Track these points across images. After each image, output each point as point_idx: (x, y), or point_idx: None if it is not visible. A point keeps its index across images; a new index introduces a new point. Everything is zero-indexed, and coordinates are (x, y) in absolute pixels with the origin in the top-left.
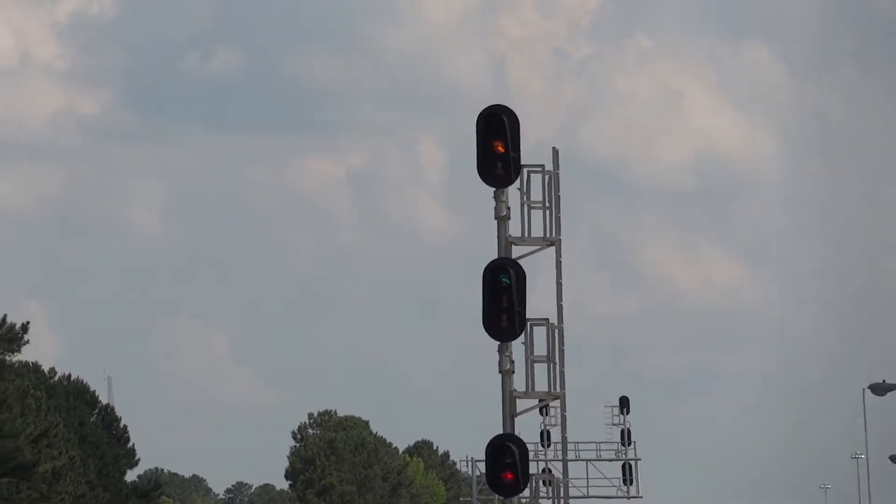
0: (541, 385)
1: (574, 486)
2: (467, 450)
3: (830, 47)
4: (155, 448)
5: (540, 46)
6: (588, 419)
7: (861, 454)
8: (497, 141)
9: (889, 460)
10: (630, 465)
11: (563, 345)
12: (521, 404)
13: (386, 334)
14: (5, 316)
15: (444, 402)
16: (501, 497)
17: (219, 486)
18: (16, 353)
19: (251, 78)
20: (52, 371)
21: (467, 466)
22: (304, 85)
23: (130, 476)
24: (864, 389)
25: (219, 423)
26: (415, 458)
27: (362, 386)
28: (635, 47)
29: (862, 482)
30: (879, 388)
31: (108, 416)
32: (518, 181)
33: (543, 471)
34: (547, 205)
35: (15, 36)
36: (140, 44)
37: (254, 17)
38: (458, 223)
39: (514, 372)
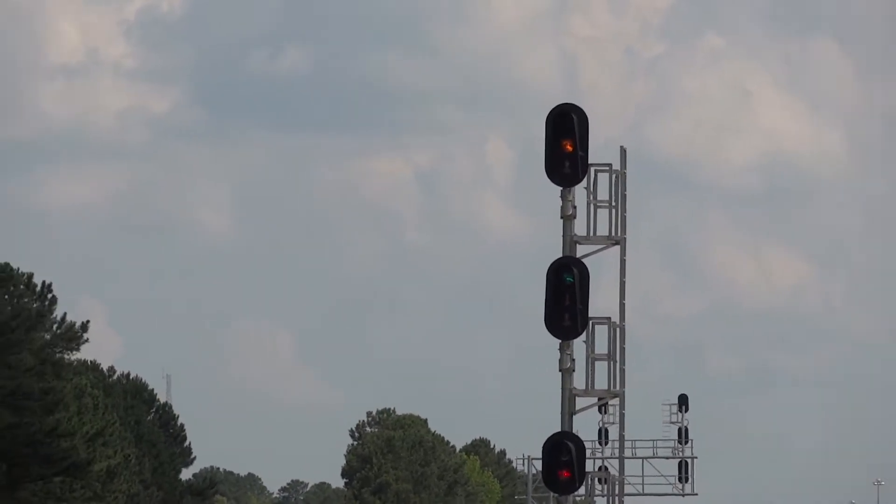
0: (600, 383)
1: (630, 484)
2: (525, 448)
3: None
4: (212, 447)
5: (611, 46)
6: (647, 418)
7: None
8: (566, 140)
9: None
10: (686, 463)
11: (625, 343)
12: (580, 402)
13: (448, 333)
14: (65, 314)
15: (503, 400)
16: (556, 495)
17: (274, 484)
18: (75, 352)
19: (319, 77)
20: (111, 370)
21: (524, 464)
22: (372, 84)
23: (186, 474)
24: None
25: (277, 422)
26: (471, 457)
27: (422, 384)
28: (705, 46)
29: None
30: None
31: (166, 415)
32: (585, 180)
33: (600, 468)
34: (613, 204)
35: (82, 33)
36: (208, 42)
37: (324, 16)
38: (525, 223)
39: (574, 370)
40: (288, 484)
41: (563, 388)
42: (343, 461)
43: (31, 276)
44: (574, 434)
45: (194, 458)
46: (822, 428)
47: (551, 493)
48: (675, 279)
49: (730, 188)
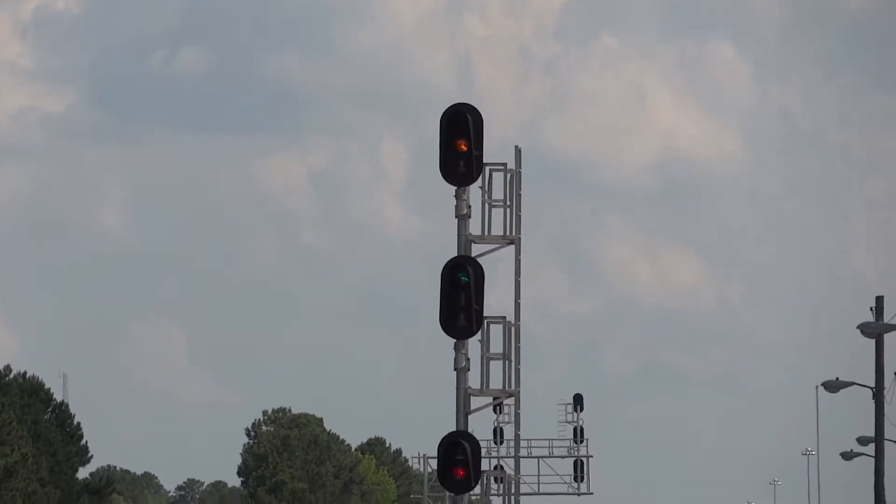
0: (496, 383)
1: (525, 483)
2: (421, 447)
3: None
4: (108, 446)
5: (506, 46)
6: (542, 417)
7: (812, 451)
8: (460, 139)
9: (840, 457)
10: (581, 462)
11: (520, 343)
12: (476, 402)
13: (343, 331)
14: None
15: (399, 399)
16: (452, 494)
17: (170, 483)
18: None
19: (219, 77)
20: (7, 368)
21: (419, 463)
22: (270, 84)
23: (83, 473)
24: (817, 386)
25: (173, 421)
26: (367, 456)
27: (317, 383)
28: (600, 47)
29: (812, 478)
30: (832, 386)
31: (62, 414)
32: (480, 180)
33: (495, 468)
34: (508, 203)
35: None
36: (107, 42)
37: (222, 17)
38: (420, 222)
39: (469, 369)
40: (184, 483)
41: (458, 388)
42: (239, 460)
43: None
44: (469, 433)
45: (91, 456)
46: (718, 428)
47: (447, 493)
48: (570, 279)
49: (625, 188)
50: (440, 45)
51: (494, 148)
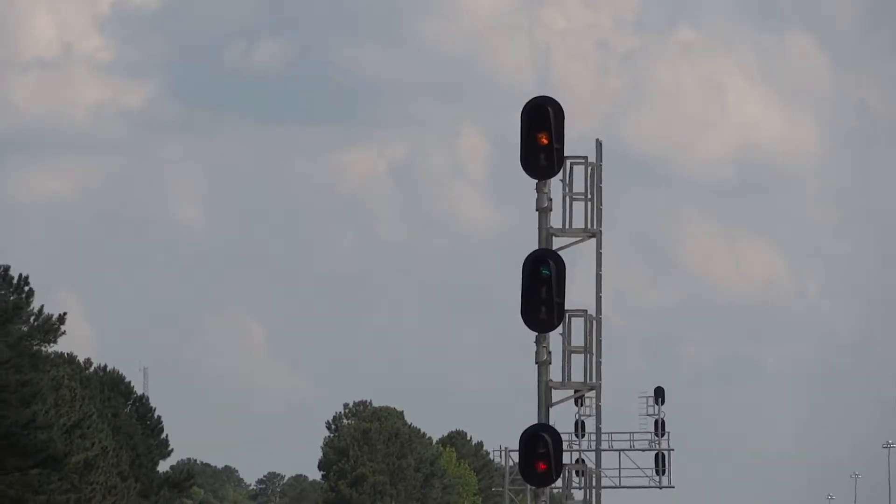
0: (577, 376)
1: (606, 476)
2: (502, 440)
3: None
4: (189, 439)
5: (584, 38)
6: (623, 410)
7: (893, 444)
8: (541, 132)
9: None
10: (663, 455)
11: (601, 336)
12: (557, 395)
13: (425, 325)
14: (42, 307)
15: (480, 392)
16: (533, 487)
17: (251, 476)
18: (52, 344)
19: (296, 70)
20: (88, 362)
21: (500, 456)
22: (349, 78)
23: (163, 467)
24: None
25: (254, 415)
26: (448, 449)
27: (398, 377)
28: (679, 40)
29: (893, 471)
30: None
31: (143, 407)
32: (560, 173)
33: (576, 461)
34: (589, 196)
35: (58, 27)
36: (184, 35)
37: (300, 10)
38: (501, 215)
39: (550, 363)
40: (265, 476)
41: (539, 381)
42: (320, 453)
43: (7, 268)
44: (551, 426)
45: (171, 450)
46: (798, 421)
47: (528, 486)
48: (650, 272)
49: (704, 181)
50: (519, 38)
51: (574, 141)
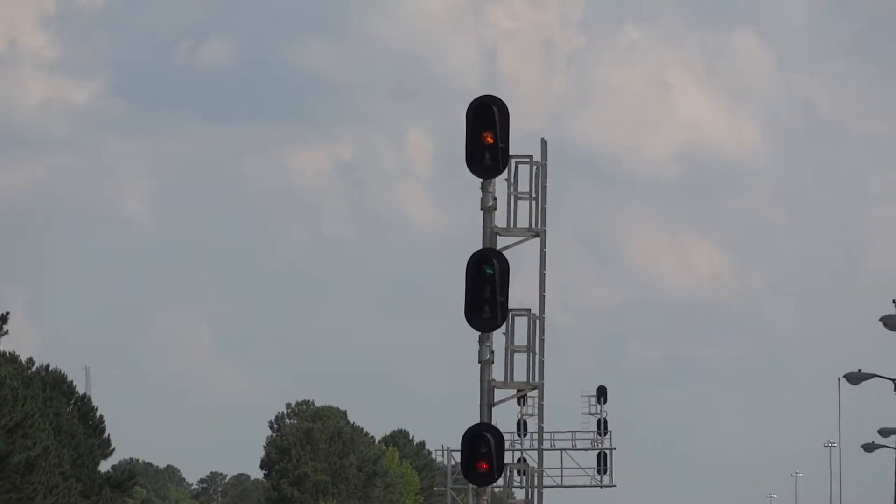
0: (520, 375)
1: (548, 476)
2: (444, 440)
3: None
4: (131, 439)
5: (530, 38)
6: (566, 409)
7: (834, 442)
8: (486, 132)
9: (862, 449)
10: (605, 455)
11: (544, 335)
12: (499, 394)
13: (368, 324)
14: None
15: (423, 392)
16: (475, 486)
17: (193, 476)
18: None
19: (243, 68)
20: (30, 361)
21: (443, 456)
22: (296, 76)
23: (105, 466)
24: (839, 378)
25: (196, 414)
26: (390, 448)
27: (341, 376)
28: (625, 39)
29: (834, 470)
30: (854, 378)
31: (85, 407)
32: (506, 172)
33: (518, 460)
34: (533, 196)
35: (2, 24)
36: (130, 33)
37: (247, 7)
38: (445, 214)
39: (493, 362)
40: (207, 476)
41: (482, 380)
42: (262, 453)
43: None
44: (493, 426)
45: (113, 449)
46: (740, 420)
47: (470, 485)
48: (595, 271)
49: (650, 180)
50: (465, 37)
51: (519, 140)
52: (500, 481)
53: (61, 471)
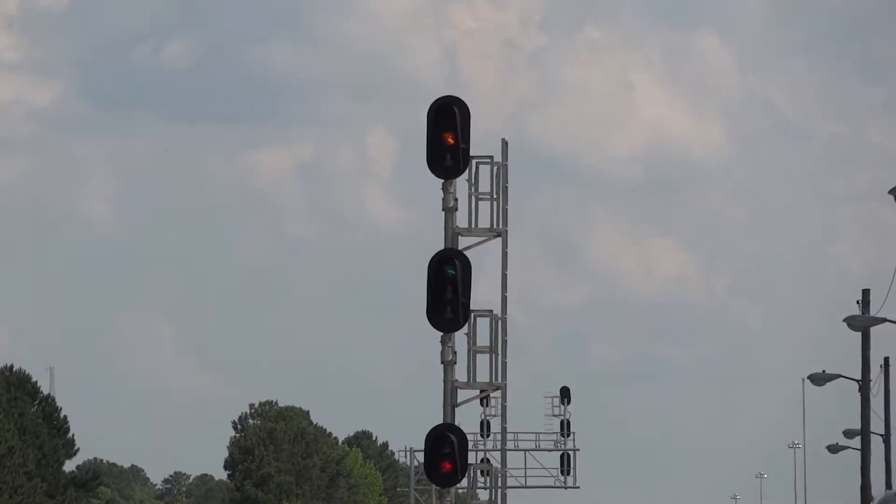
0: (482, 376)
1: (512, 476)
2: (408, 440)
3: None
4: (96, 439)
5: (491, 38)
6: (529, 410)
7: (798, 444)
8: (447, 132)
9: (826, 450)
10: (568, 456)
11: (506, 335)
12: (462, 395)
13: (330, 324)
14: None
15: (386, 392)
16: (438, 487)
17: (157, 476)
18: None
19: (205, 68)
20: None
21: (406, 457)
22: (258, 76)
23: (69, 466)
24: (803, 379)
25: (160, 414)
26: (354, 449)
27: (304, 376)
28: (585, 39)
29: (798, 471)
30: (819, 378)
31: (49, 407)
32: (466, 172)
33: (482, 461)
34: (494, 196)
35: None
36: (93, 34)
37: (209, 7)
38: (407, 215)
39: (455, 363)
40: (171, 476)
41: (445, 381)
42: (226, 453)
43: None
44: (456, 426)
45: (78, 449)
46: (705, 421)
47: (433, 486)
48: (556, 271)
49: (611, 180)
50: (427, 37)
51: (480, 140)
52: (464, 482)
53: (26, 470)
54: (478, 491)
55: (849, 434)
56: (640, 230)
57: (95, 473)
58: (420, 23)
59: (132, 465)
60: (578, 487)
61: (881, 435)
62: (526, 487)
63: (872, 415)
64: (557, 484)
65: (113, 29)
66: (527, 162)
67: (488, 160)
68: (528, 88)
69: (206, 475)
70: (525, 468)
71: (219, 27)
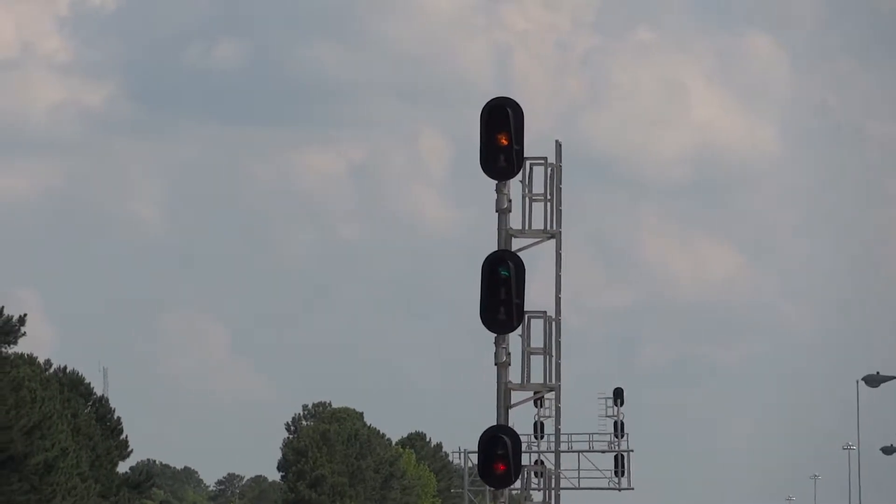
0: (536, 377)
1: (565, 478)
2: (461, 442)
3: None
4: (148, 440)
5: (543, 39)
6: (583, 411)
7: (853, 445)
8: (500, 133)
9: (881, 452)
10: (622, 457)
11: (560, 337)
12: (516, 396)
13: (384, 326)
14: (2, 308)
15: (440, 394)
16: (492, 488)
17: (210, 478)
18: (12, 346)
19: (255, 70)
20: (48, 363)
21: (459, 458)
22: (306, 78)
23: (123, 468)
24: (857, 381)
25: (213, 416)
26: (407, 450)
27: (358, 378)
28: (637, 40)
29: (853, 473)
30: (873, 380)
31: (103, 408)
32: (520, 174)
33: (535, 462)
34: (548, 197)
35: (17, 27)
36: (142, 36)
37: (258, 10)
38: (460, 216)
39: (509, 364)
40: (224, 477)
41: (498, 382)
42: (279, 454)
43: None
44: (510, 428)
45: (131, 451)
46: (758, 422)
47: (487, 487)
48: (609, 272)
49: (662, 181)
50: (479, 38)
51: (533, 142)
52: (518, 483)
53: (80, 472)
54: (531, 492)
55: None
56: (689, 232)
57: (149, 475)
58: (471, 24)
59: (185, 467)
60: (633, 489)
61: None
62: (580, 489)
63: None
64: (611, 485)
65: (163, 31)
66: (577, 163)
67: (542, 161)
68: (579, 90)
69: (259, 476)
70: (579, 469)
71: (268, 29)
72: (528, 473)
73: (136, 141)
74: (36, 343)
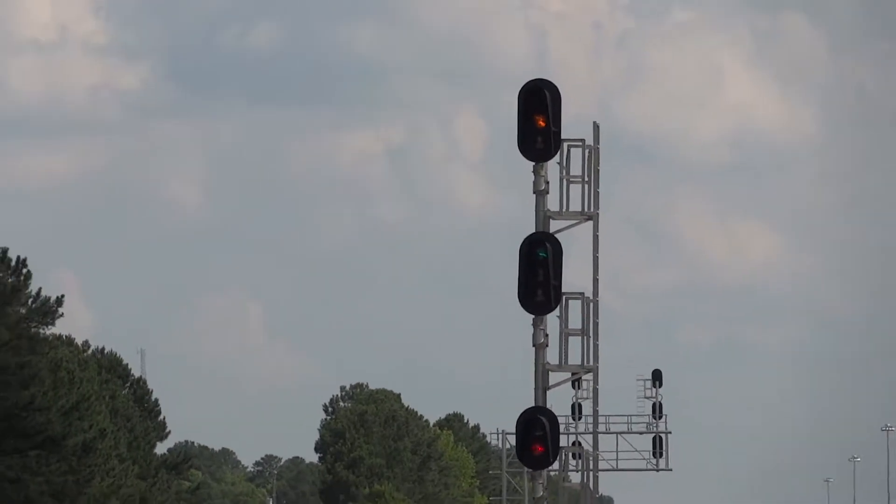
0: (574, 358)
1: (604, 459)
2: (499, 423)
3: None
4: (186, 421)
5: (580, 21)
6: (621, 392)
7: (892, 427)
8: (538, 115)
9: None
10: (660, 438)
11: (598, 318)
12: (554, 377)
13: (422, 307)
14: (40, 289)
15: (477, 375)
16: (530, 469)
17: (248, 458)
18: (50, 326)
19: (292, 51)
20: (86, 344)
21: (497, 439)
22: (344, 59)
23: (161, 449)
24: None
25: (251, 397)
26: (445, 431)
27: (396, 359)
28: (673, 21)
29: (892, 455)
30: None
31: (140, 390)
32: (557, 155)
33: (573, 443)
34: (586, 179)
35: (54, 10)
36: (179, 18)
37: None
38: (498, 198)
39: (547, 345)
40: (262, 458)
41: (536, 364)
42: (317, 436)
43: (5, 250)
44: (548, 409)
45: (169, 432)
46: (796, 403)
47: (525, 468)
48: (647, 254)
49: (700, 163)
50: (515, 20)
51: (570, 123)
52: (556, 464)
53: (118, 453)
54: (569, 473)
55: None
56: (728, 213)
57: (187, 456)
58: (508, 4)
59: (223, 448)
60: (671, 470)
61: None
62: (618, 470)
63: None
64: (650, 467)
65: (199, 12)
66: (615, 145)
67: (580, 143)
68: (615, 71)
69: (297, 458)
70: (617, 451)
71: (305, 10)
72: (566, 455)
73: (174, 123)
74: (73, 324)
